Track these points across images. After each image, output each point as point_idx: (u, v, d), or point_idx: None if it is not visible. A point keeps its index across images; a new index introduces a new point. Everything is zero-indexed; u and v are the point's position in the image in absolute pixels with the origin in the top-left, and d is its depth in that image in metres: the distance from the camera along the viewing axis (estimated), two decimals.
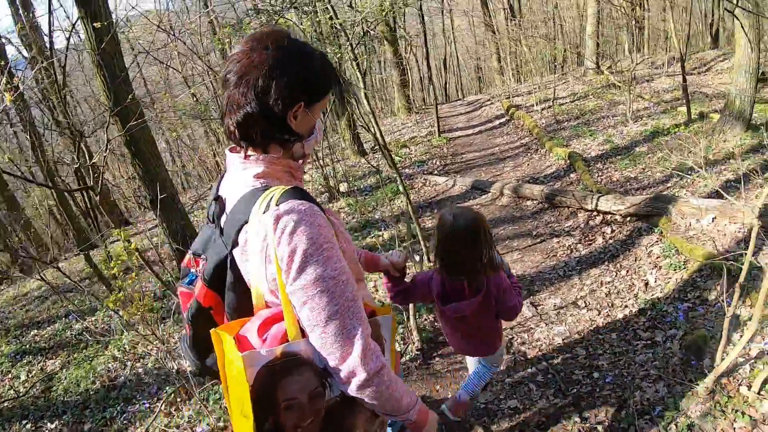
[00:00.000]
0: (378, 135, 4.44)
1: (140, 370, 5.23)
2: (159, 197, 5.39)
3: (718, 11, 17.31)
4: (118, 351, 5.68)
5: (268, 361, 1.22)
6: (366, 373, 1.27)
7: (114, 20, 6.58)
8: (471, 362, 3.14)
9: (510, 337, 4.30)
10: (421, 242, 5.46)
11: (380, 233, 7.13)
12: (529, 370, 3.91)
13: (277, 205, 1.26)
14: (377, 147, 12.20)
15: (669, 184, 6.82)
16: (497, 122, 13.45)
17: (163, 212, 6.56)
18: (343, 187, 9.58)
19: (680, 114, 9.77)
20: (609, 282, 4.88)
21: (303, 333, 1.30)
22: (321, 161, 9.23)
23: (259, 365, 1.21)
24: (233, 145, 1.44)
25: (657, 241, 5.31)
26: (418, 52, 33.92)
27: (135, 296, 3.76)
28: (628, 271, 4.98)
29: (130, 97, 6.06)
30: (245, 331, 1.31)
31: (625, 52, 20.44)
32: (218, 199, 1.45)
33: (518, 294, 2.50)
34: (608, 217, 6.08)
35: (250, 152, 1.41)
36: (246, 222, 1.32)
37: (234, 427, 1.33)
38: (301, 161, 1.52)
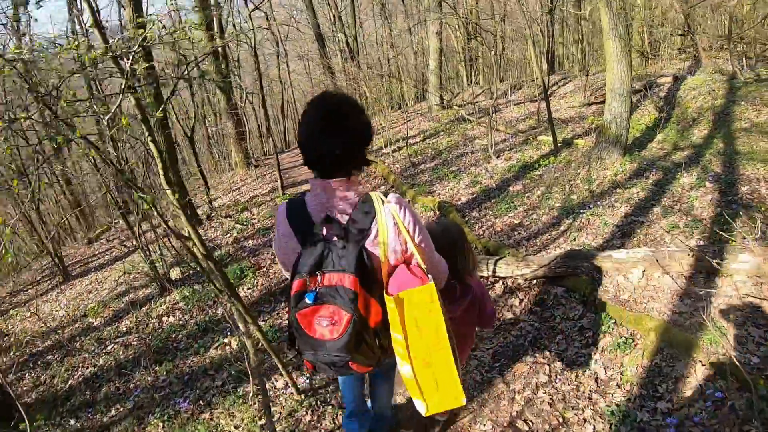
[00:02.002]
0: (197, 245, 2.70)
1: None
2: None
3: (552, 40, 17.56)
4: None
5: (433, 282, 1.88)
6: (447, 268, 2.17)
7: None
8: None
9: None
10: (273, 356, 3.73)
11: (226, 340, 5.32)
12: None
13: (388, 199, 1.91)
14: (214, 214, 10.42)
15: (562, 228, 5.78)
16: None
17: None
18: (175, 273, 7.58)
19: (543, 144, 9.03)
20: (546, 383, 3.50)
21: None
22: (141, 239, 7.19)
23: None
24: (318, 176, 1.94)
25: (585, 312, 4.07)
26: (255, 99, 32.38)
27: None
28: (564, 362, 3.65)
29: None
30: (404, 285, 1.86)
31: (464, 85, 20.32)
32: (330, 218, 1.88)
33: (492, 302, 2.82)
34: (509, 282, 4.79)
35: (348, 177, 1.94)
36: (375, 215, 1.87)
37: (424, 349, 1.87)
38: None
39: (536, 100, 13.72)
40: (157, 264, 7.26)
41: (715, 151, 7.21)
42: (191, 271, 7.50)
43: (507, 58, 19.30)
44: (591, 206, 5.99)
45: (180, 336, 5.78)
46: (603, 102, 11.93)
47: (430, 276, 1.89)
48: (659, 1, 14.50)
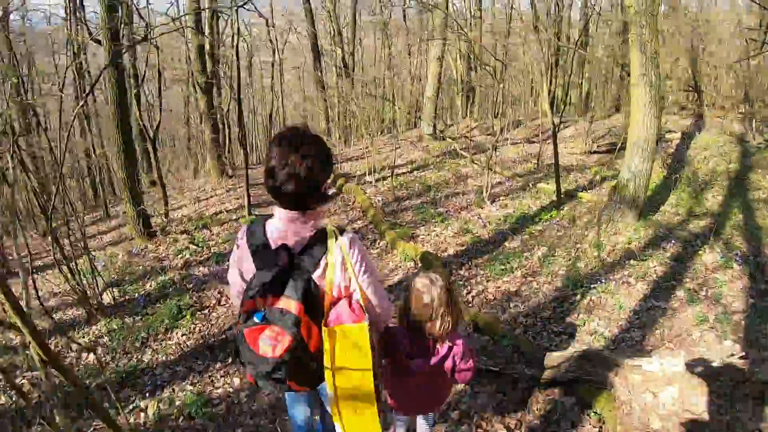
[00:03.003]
0: (35, 347, 1.66)
1: None
2: None
3: (555, 80, 16.86)
4: None
5: (369, 324, 1.98)
6: (391, 315, 2.30)
7: None
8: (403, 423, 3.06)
9: None
10: None
11: (143, 404, 4.23)
12: None
13: (341, 234, 2.03)
14: (169, 227, 9.32)
15: (567, 305, 4.82)
16: None
17: None
18: (108, 297, 6.44)
19: (543, 192, 8.14)
20: None
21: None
22: (64, 250, 6.06)
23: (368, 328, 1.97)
24: (283, 208, 2.03)
25: None
26: (244, 105, 31.38)
27: None
28: None
29: None
30: (342, 320, 1.97)
31: (459, 117, 19.53)
32: (285, 247, 2.00)
33: (474, 356, 2.61)
34: (503, 380, 3.78)
35: (307, 211, 2.04)
36: (326, 250, 2.00)
37: (349, 383, 1.99)
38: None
39: (535, 142, 12.89)
40: (85, 281, 6.09)
41: (735, 223, 6.40)
42: (127, 297, 6.43)
43: (508, 93, 18.52)
44: (602, 280, 5.06)
45: (93, 384, 4.69)
46: (606, 152, 11.20)
47: (366, 315, 2.00)
48: (668, 54, 13.82)
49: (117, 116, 7.85)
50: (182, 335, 5.16)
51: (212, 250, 7.47)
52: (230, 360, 4.59)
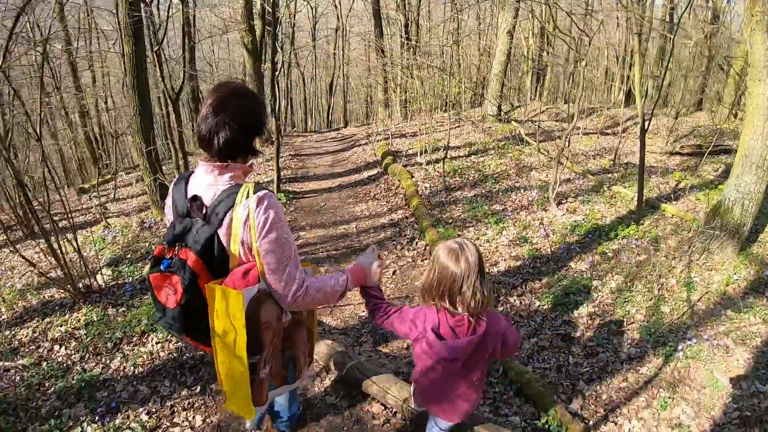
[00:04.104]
0: None
1: None
2: None
3: (639, 71, 15.17)
4: None
5: (253, 294, 1.85)
6: (296, 296, 1.92)
7: None
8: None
9: None
10: None
11: (90, 429, 3.36)
12: None
13: (255, 192, 1.84)
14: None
15: (645, 370, 3.68)
16: (366, 175, 9.95)
17: None
18: (102, 278, 5.63)
19: (619, 198, 6.85)
20: None
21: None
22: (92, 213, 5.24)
23: (249, 298, 1.83)
24: (205, 157, 1.96)
25: None
26: (306, 71, 30.64)
27: None
28: None
29: None
30: (228, 283, 1.84)
31: (527, 100, 18.04)
32: (196, 197, 1.90)
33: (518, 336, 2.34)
34: None
35: (229, 163, 1.92)
36: (233, 206, 1.84)
37: (225, 349, 1.88)
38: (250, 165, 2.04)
39: (609, 134, 11.45)
40: (68, 259, 5.26)
41: None
42: (120, 281, 5.60)
43: (582, 76, 16.87)
44: (692, 338, 3.81)
45: (52, 390, 3.86)
46: (690, 155, 9.67)
47: (256, 287, 1.89)
48: None
49: (133, 75, 7.10)
50: (157, 342, 4.26)
51: None
52: (198, 388, 3.66)
